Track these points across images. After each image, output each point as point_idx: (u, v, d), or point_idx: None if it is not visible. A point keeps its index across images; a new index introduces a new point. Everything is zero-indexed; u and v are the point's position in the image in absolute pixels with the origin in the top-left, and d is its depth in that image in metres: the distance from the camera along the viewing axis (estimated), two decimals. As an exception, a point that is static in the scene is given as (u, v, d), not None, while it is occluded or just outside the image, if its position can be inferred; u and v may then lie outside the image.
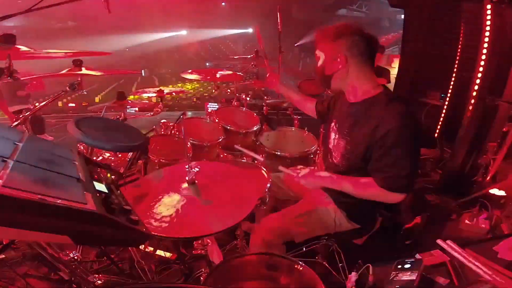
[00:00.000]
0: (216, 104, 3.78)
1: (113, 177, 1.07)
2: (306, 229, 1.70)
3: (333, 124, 1.77)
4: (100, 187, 0.93)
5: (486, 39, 2.91)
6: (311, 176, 1.62)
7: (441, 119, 3.88)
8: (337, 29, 1.54)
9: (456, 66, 3.66)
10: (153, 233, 1.15)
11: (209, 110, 3.24)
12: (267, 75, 2.25)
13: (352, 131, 1.60)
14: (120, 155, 2.45)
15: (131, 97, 3.04)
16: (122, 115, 2.55)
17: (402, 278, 1.23)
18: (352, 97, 1.63)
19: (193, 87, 11.77)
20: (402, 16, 4.97)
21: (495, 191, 2.77)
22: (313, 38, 1.66)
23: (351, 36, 1.52)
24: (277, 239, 1.67)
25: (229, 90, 3.74)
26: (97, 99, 9.34)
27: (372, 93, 1.57)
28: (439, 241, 1.45)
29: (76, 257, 1.51)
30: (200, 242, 1.49)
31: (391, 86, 4.34)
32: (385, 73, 3.62)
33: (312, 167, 1.92)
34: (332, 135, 1.74)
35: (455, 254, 1.35)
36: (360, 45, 1.52)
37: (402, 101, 1.53)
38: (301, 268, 1.31)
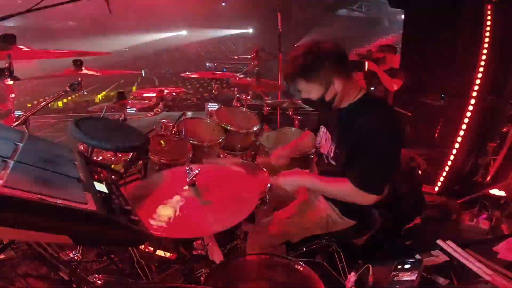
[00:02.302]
0: (216, 104, 3.78)
1: (113, 177, 1.07)
2: (299, 229, 1.71)
3: (323, 129, 1.78)
4: (100, 187, 0.93)
5: (486, 39, 2.91)
6: (288, 177, 1.63)
7: (441, 119, 3.87)
8: (314, 55, 1.46)
9: (456, 66, 3.66)
10: (154, 233, 1.15)
11: (209, 110, 3.23)
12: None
13: (338, 135, 1.63)
14: (120, 155, 2.45)
15: (132, 97, 3.03)
16: (122, 115, 2.55)
17: (402, 279, 1.23)
18: (339, 103, 1.63)
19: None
20: (402, 16, 4.97)
21: (495, 191, 2.77)
22: (286, 66, 1.57)
23: (331, 56, 1.49)
24: (274, 241, 1.68)
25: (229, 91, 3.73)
26: (97, 99, 9.33)
27: (355, 98, 1.59)
28: (439, 241, 1.45)
29: (76, 257, 1.50)
30: (200, 242, 1.49)
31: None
32: (399, 75, 3.62)
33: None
34: (324, 140, 1.75)
35: (455, 255, 1.35)
36: (341, 61, 1.52)
37: (384, 104, 1.55)
38: (301, 268, 1.31)
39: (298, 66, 1.49)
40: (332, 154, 1.66)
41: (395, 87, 3.51)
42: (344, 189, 1.50)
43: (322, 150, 1.76)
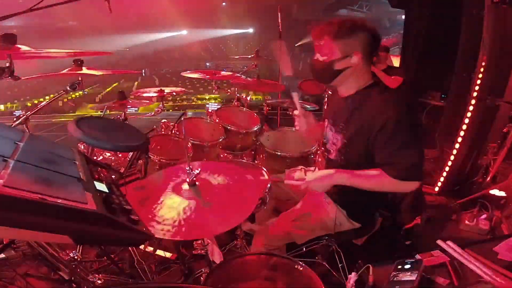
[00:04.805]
0: (216, 104, 3.78)
1: (113, 176, 1.07)
2: (306, 231, 1.70)
3: (327, 122, 1.77)
4: (101, 186, 0.93)
5: (487, 39, 2.91)
6: (317, 180, 1.57)
7: (441, 119, 3.88)
8: (354, 23, 1.49)
9: (456, 66, 3.66)
10: (155, 236, 1.15)
11: (209, 110, 3.24)
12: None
13: (348, 124, 1.59)
14: (120, 155, 2.45)
15: (131, 97, 3.03)
16: (123, 115, 2.55)
17: (402, 279, 1.23)
18: (345, 91, 1.63)
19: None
20: (403, 17, 4.97)
21: (495, 191, 2.77)
22: (317, 27, 1.57)
23: (367, 33, 1.49)
24: (279, 242, 1.68)
25: (229, 91, 3.73)
26: (97, 99, 9.34)
27: (364, 85, 1.57)
28: (439, 242, 1.45)
29: (76, 257, 1.51)
30: (200, 242, 1.49)
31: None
32: (399, 72, 3.63)
33: (315, 167, 1.90)
34: (329, 134, 1.73)
35: (455, 255, 1.35)
36: (372, 43, 1.51)
37: (395, 90, 1.53)
38: (301, 268, 1.31)
39: (333, 24, 1.49)
40: (339, 145, 1.63)
41: (396, 84, 3.52)
42: (382, 182, 1.47)
43: (328, 146, 1.74)
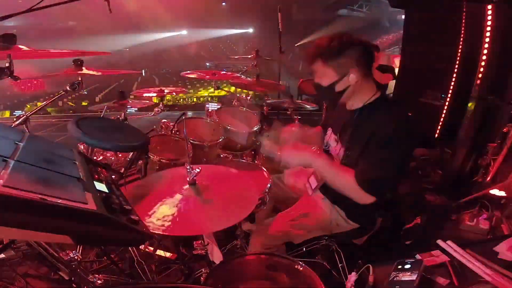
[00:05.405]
0: (216, 104, 3.78)
1: (113, 176, 1.07)
2: (304, 231, 1.70)
3: (330, 132, 1.76)
4: (101, 186, 0.93)
5: (487, 39, 2.91)
6: (294, 152, 1.55)
7: (441, 119, 3.88)
8: (341, 42, 1.46)
9: (456, 66, 3.66)
10: (155, 232, 1.16)
11: (209, 110, 3.24)
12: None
13: (352, 138, 1.59)
14: (120, 155, 2.45)
15: (132, 96, 3.03)
16: (123, 115, 2.55)
17: (402, 279, 1.23)
18: (352, 104, 1.62)
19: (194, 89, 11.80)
20: (403, 16, 4.97)
21: (495, 191, 2.77)
22: (314, 38, 1.62)
23: (356, 47, 1.48)
24: (277, 241, 1.68)
25: (229, 91, 3.74)
26: (97, 99, 9.34)
27: (371, 98, 1.56)
28: (439, 242, 1.45)
29: (76, 257, 1.50)
30: (200, 242, 1.49)
31: (391, 85, 4.34)
32: (390, 70, 3.66)
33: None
34: (332, 143, 1.73)
35: (455, 255, 1.35)
36: (364, 54, 1.50)
37: (401, 105, 1.53)
38: (301, 268, 1.31)
39: (321, 47, 1.48)
40: (342, 156, 1.63)
41: (387, 81, 3.56)
42: (347, 181, 1.47)
43: (332, 152, 1.74)
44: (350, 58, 1.47)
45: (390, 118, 1.48)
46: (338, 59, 1.47)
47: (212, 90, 9.82)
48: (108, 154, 2.45)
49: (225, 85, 3.79)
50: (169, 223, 1.19)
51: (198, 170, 1.38)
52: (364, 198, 1.46)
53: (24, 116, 1.93)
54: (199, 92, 10.98)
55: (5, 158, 0.78)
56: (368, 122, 1.51)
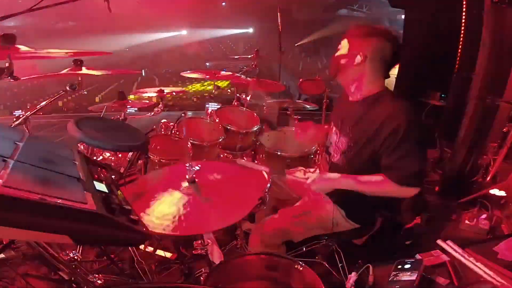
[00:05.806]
0: (216, 104, 3.78)
1: (113, 176, 1.07)
2: (304, 229, 1.70)
3: (332, 125, 1.77)
4: (100, 186, 0.93)
5: (487, 39, 2.91)
6: (321, 180, 1.60)
7: (441, 119, 3.87)
8: (373, 28, 1.54)
9: (456, 66, 3.66)
10: (154, 231, 1.15)
11: (209, 110, 3.24)
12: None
13: (355, 128, 1.61)
14: (120, 155, 2.45)
15: (131, 96, 3.02)
16: (122, 115, 2.55)
17: (402, 278, 1.23)
18: (353, 96, 1.65)
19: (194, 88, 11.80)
20: (402, 16, 4.97)
21: (495, 191, 2.77)
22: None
23: (383, 40, 1.52)
24: (276, 239, 1.68)
25: (229, 90, 3.74)
26: (97, 99, 9.34)
27: (374, 92, 1.58)
28: (439, 241, 1.45)
29: (76, 257, 1.50)
30: (200, 242, 1.49)
31: (391, 85, 4.34)
32: None
33: (315, 169, 1.91)
34: (334, 137, 1.74)
35: (455, 255, 1.35)
36: (386, 52, 1.53)
37: (405, 100, 1.55)
38: (301, 268, 1.31)
39: (358, 26, 1.58)
40: (343, 148, 1.65)
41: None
42: (385, 187, 1.50)
43: (331, 149, 1.75)
44: (369, 44, 1.52)
45: (398, 108, 1.50)
46: (359, 39, 1.55)
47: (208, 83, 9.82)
48: (108, 154, 2.44)
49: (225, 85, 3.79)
50: (169, 222, 1.19)
51: (198, 168, 1.38)
52: (409, 192, 1.51)
53: (24, 116, 1.94)
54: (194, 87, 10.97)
55: (4, 158, 0.78)
56: (373, 114, 1.53)
